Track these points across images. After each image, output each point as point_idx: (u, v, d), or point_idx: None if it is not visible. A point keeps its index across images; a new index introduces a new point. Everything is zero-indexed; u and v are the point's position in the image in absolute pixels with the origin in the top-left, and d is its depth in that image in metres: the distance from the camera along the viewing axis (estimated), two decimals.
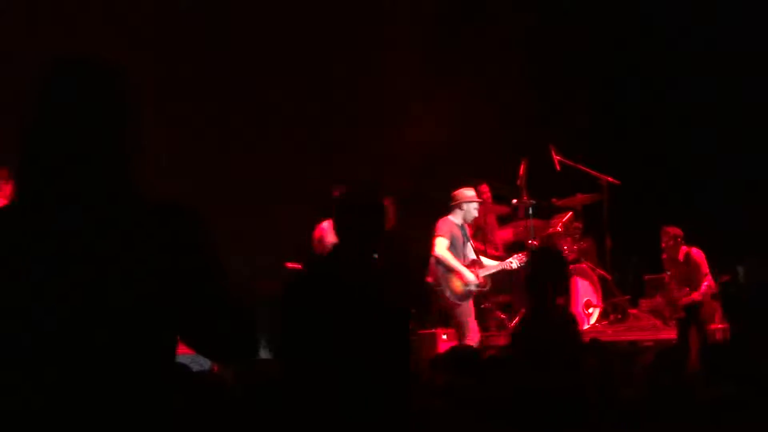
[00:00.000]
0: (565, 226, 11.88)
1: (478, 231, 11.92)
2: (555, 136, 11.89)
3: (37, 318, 2.38)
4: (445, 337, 10.49)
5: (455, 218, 10.19)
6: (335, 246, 4.72)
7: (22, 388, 2.38)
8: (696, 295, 11.15)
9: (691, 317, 10.74)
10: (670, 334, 10.98)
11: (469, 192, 10.31)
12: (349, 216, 4.69)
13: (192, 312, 2.47)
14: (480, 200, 10.57)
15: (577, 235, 11.93)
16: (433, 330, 11.01)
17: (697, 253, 11.35)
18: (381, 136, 12.55)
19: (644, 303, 12.12)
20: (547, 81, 13.06)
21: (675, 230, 11.45)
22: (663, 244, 11.47)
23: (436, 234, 10.05)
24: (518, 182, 11.38)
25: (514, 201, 11.33)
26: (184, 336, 2.51)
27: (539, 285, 6.26)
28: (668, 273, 11.35)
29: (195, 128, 11.77)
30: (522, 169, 11.42)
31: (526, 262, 10.03)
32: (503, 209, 12.08)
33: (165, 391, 2.48)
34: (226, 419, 4.53)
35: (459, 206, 10.21)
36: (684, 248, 11.45)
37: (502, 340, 10.73)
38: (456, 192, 10.27)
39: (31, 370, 2.38)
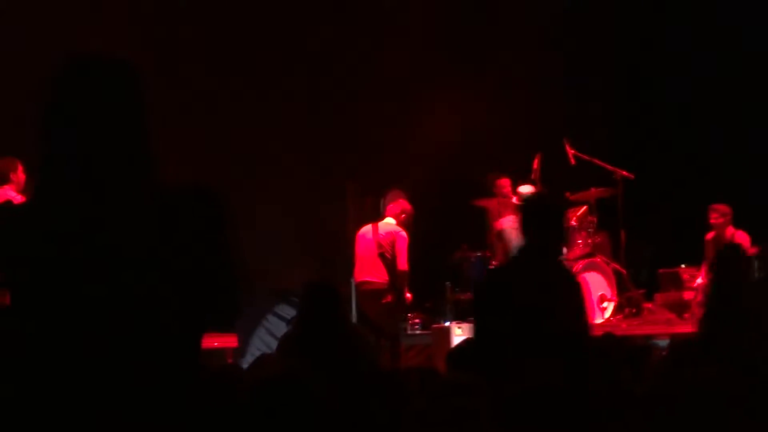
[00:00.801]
0: (580, 220, 11.84)
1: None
2: (569, 131, 11.88)
3: (65, 308, 2.42)
4: (459, 331, 10.49)
5: None
6: (523, 246, 4.82)
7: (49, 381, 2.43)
8: None
9: None
10: (686, 328, 10.97)
11: None
12: (538, 218, 4.79)
13: (198, 283, 2.51)
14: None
15: (591, 229, 11.89)
16: (448, 324, 11.07)
17: (742, 236, 11.30)
18: (395, 134, 12.59)
19: (659, 297, 12.13)
20: (561, 76, 13.13)
21: (724, 207, 11.40)
22: (712, 221, 11.40)
23: None
24: (532, 176, 11.41)
25: (523, 186, 11.34)
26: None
27: (725, 284, 6.25)
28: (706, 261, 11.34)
29: (207, 126, 11.80)
30: (536, 163, 11.44)
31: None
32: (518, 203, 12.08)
33: (188, 378, 2.54)
34: (239, 412, 4.54)
35: None
36: (731, 228, 11.39)
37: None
38: (527, 191, 10.72)
39: (58, 362, 2.43)
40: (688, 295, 11.76)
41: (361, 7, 12.80)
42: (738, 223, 11.52)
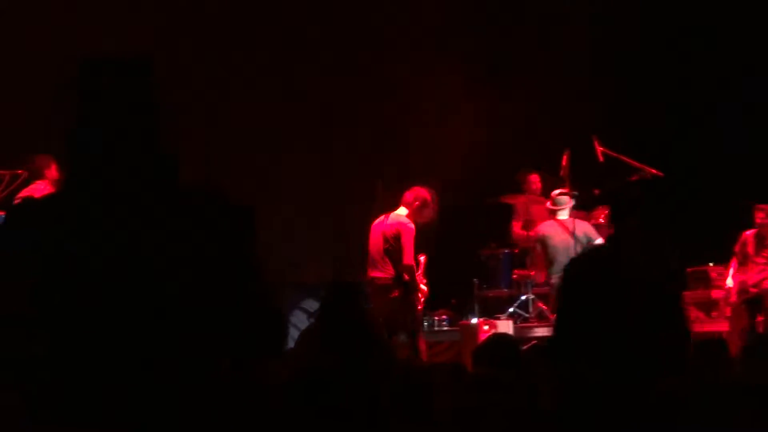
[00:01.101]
0: (608, 217, 11.82)
1: (526, 223, 12.13)
2: (598, 128, 11.89)
3: (80, 305, 2.46)
4: (486, 328, 10.54)
5: None
6: (612, 235, 4.87)
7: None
8: None
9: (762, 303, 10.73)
10: (713, 326, 10.95)
11: None
12: (628, 210, 4.84)
13: (221, 305, 2.51)
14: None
15: None
16: (475, 321, 11.16)
17: None
18: (421, 132, 12.70)
19: (687, 295, 12.08)
20: (590, 73, 13.24)
21: None
22: (758, 221, 11.33)
23: (596, 236, 10.47)
24: (561, 173, 11.44)
25: (556, 191, 11.38)
26: (210, 329, 2.53)
27: None
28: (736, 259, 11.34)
29: (243, 127, 11.91)
30: (564, 161, 11.45)
31: None
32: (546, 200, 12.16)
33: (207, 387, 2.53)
34: (267, 408, 4.58)
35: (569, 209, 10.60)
36: None
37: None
38: (561, 196, 10.71)
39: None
40: (716, 294, 11.74)
41: (386, 7, 12.84)
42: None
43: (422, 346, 9.89)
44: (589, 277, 4.62)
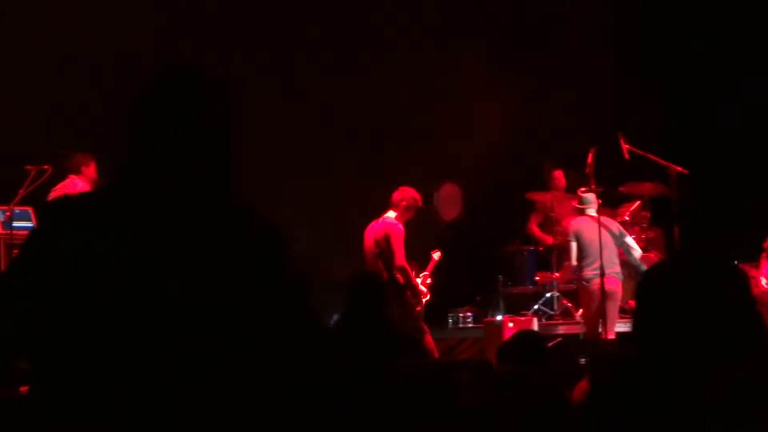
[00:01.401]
0: (633, 215, 11.89)
1: (546, 220, 12.21)
2: (624, 125, 11.73)
3: (120, 302, 2.40)
4: (511, 325, 10.46)
5: None
6: (683, 246, 4.67)
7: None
8: None
9: None
10: None
11: None
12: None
13: (222, 305, 2.47)
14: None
15: (644, 225, 11.93)
16: (500, 318, 11.18)
17: None
18: (451, 129, 12.69)
19: None
20: (616, 71, 13.30)
21: None
22: None
23: (626, 233, 10.44)
24: (587, 170, 11.23)
25: (582, 189, 11.16)
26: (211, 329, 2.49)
27: None
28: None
29: (259, 129, 11.73)
30: (590, 157, 11.23)
31: None
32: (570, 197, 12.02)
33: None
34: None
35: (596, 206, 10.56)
36: None
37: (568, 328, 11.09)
38: (588, 194, 10.60)
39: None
40: None
41: (386, 7, 12.92)
42: None
43: (431, 345, 9.68)
44: (667, 290, 4.41)
